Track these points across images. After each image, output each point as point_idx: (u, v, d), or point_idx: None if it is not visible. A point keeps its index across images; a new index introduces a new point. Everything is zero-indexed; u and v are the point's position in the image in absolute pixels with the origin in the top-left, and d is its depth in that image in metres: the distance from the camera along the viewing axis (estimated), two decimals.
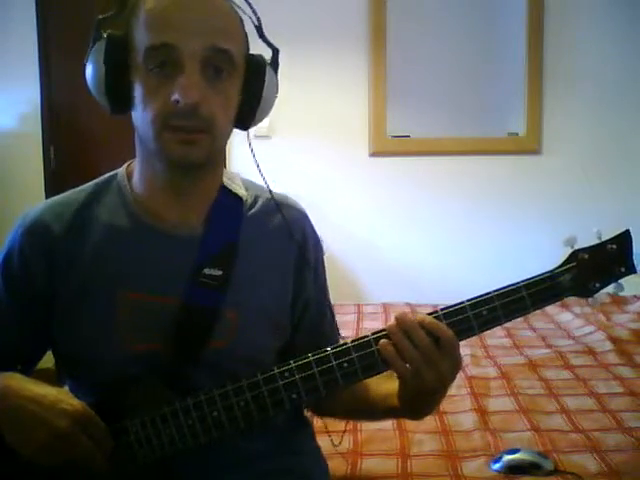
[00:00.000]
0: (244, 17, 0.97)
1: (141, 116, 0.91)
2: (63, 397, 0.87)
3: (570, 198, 3.51)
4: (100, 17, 0.93)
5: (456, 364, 0.90)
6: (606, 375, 1.94)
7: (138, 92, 0.91)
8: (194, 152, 0.91)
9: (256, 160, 1.04)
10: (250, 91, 0.96)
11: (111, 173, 1.04)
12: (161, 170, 0.96)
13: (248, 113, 0.97)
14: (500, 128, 3.58)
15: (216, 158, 0.99)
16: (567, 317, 2.57)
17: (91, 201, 1.00)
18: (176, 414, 0.90)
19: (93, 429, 0.87)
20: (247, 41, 0.97)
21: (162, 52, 0.88)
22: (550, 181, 3.56)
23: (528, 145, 3.54)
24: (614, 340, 2.21)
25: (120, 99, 0.93)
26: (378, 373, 0.92)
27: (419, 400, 0.95)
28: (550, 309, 2.67)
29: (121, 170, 1.03)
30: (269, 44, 0.99)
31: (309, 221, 1.10)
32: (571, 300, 2.91)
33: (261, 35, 0.99)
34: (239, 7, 0.97)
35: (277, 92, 1.00)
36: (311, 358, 0.91)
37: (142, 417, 0.91)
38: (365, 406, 1.06)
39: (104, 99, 0.94)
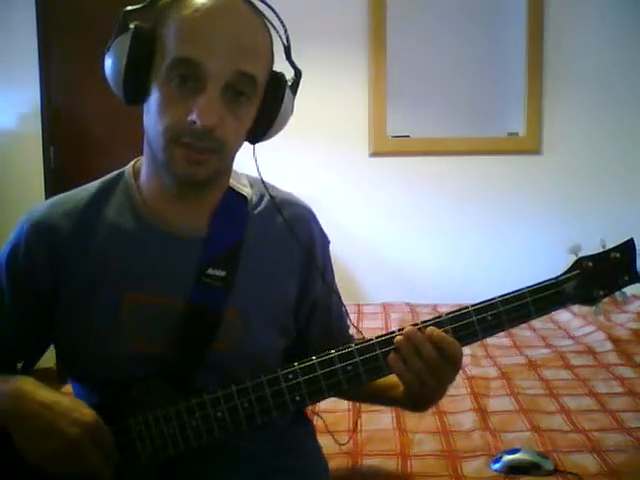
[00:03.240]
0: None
1: (153, 123, 0.90)
2: (76, 406, 0.87)
3: (570, 198, 3.51)
4: (128, 9, 0.92)
5: (457, 370, 0.93)
6: (606, 375, 1.94)
7: (154, 97, 0.90)
8: (201, 171, 0.91)
9: (259, 170, 1.04)
10: (266, 110, 0.95)
11: (118, 171, 1.03)
12: (167, 178, 0.95)
13: (260, 130, 0.97)
14: (500, 128, 3.58)
15: (223, 170, 0.99)
16: (567, 317, 2.57)
17: (98, 200, 0.99)
18: (180, 414, 0.90)
19: (103, 441, 0.87)
20: (273, 60, 0.96)
21: (187, 66, 0.87)
22: (550, 181, 3.56)
23: (528, 145, 3.54)
24: (614, 340, 2.21)
25: (137, 93, 0.91)
26: (382, 377, 0.92)
27: (422, 399, 0.98)
28: None
29: (128, 168, 1.03)
30: (294, 66, 0.99)
31: (315, 219, 1.09)
32: None
33: (288, 57, 0.98)
34: (271, 23, 0.96)
35: (292, 113, 0.99)
36: (315, 361, 0.91)
37: (145, 417, 0.91)
38: (373, 392, 1.07)
39: (121, 90, 0.92)
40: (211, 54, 0.86)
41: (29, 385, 0.89)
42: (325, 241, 1.10)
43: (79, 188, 1.02)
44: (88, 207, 0.98)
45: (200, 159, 0.89)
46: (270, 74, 0.95)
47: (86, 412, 0.87)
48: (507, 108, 3.60)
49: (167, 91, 0.88)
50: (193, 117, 0.86)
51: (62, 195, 1.02)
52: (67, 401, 0.88)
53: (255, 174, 1.06)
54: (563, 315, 2.60)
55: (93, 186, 1.02)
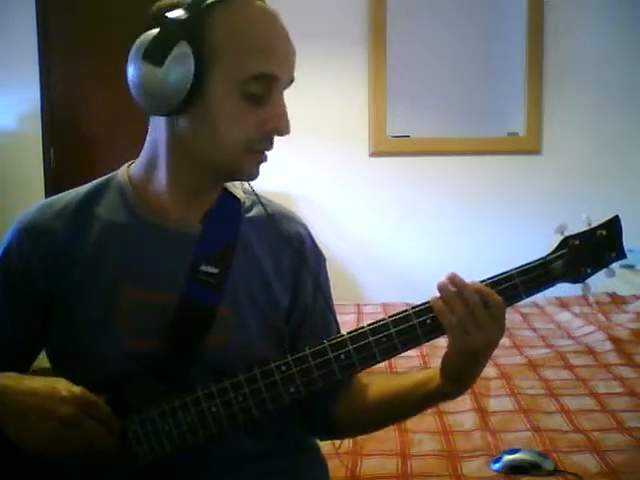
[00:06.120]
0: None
1: (214, 132, 0.90)
2: (61, 385, 0.87)
3: (570, 198, 3.51)
4: (171, 17, 0.87)
5: (502, 328, 0.92)
6: (606, 375, 1.94)
7: (219, 109, 0.89)
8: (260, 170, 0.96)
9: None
10: None
11: (110, 174, 1.04)
12: (197, 178, 0.97)
13: None
14: (500, 128, 3.58)
15: None
16: (567, 317, 2.57)
17: (91, 199, 1.00)
18: (174, 411, 0.90)
19: (96, 411, 0.87)
20: None
21: (266, 81, 0.89)
22: (550, 181, 3.56)
23: (528, 145, 3.55)
24: (614, 340, 2.21)
25: (184, 105, 0.88)
26: (375, 364, 0.92)
27: (465, 364, 0.94)
28: (550, 309, 2.67)
29: (121, 170, 1.03)
30: None
31: (310, 235, 1.10)
32: (571, 300, 2.90)
33: None
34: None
35: None
36: (308, 351, 0.91)
37: (140, 415, 0.91)
38: (394, 404, 1.04)
39: (170, 104, 0.88)
40: (284, 66, 0.91)
41: (10, 379, 0.89)
42: (319, 256, 1.10)
43: (71, 190, 1.03)
44: (80, 206, 0.99)
45: (264, 161, 0.95)
46: None
47: (72, 388, 0.87)
48: (507, 108, 3.60)
49: (240, 104, 0.89)
50: (277, 126, 0.91)
51: (52, 197, 1.02)
52: (51, 383, 0.88)
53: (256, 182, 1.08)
54: (563, 315, 2.60)
55: (84, 188, 1.02)
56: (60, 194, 1.02)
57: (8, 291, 0.98)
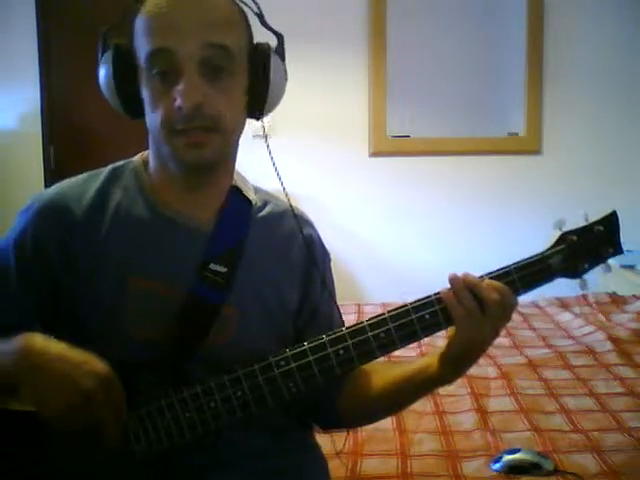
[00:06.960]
0: (246, 10, 0.98)
1: (150, 121, 0.94)
2: (89, 358, 0.86)
3: (570, 198, 3.51)
4: (106, 29, 0.96)
5: (509, 318, 0.92)
6: (606, 375, 1.94)
7: (145, 98, 0.94)
8: (205, 153, 0.93)
9: (272, 158, 1.07)
10: (257, 81, 0.97)
11: (126, 160, 1.05)
12: (174, 170, 0.97)
13: (258, 103, 0.98)
14: (500, 128, 3.59)
15: (228, 154, 1.00)
16: (567, 317, 2.57)
17: (108, 183, 1.01)
18: (172, 406, 0.90)
19: (115, 395, 0.86)
20: (250, 32, 0.98)
21: (160, 57, 0.90)
22: (550, 181, 3.56)
23: (528, 145, 3.55)
24: (614, 340, 2.21)
25: (133, 105, 0.96)
26: (373, 359, 0.92)
27: (468, 352, 0.94)
28: (550, 309, 2.67)
29: (136, 158, 1.05)
30: (273, 31, 1.00)
31: (317, 233, 1.11)
32: (571, 300, 2.89)
33: (263, 23, 0.99)
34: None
35: (287, 78, 1.01)
36: (306, 346, 0.91)
37: (138, 410, 0.90)
38: (396, 392, 1.03)
39: (119, 106, 0.97)
40: (177, 37, 0.89)
41: (39, 339, 0.88)
42: (326, 254, 1.11)
43: (88, 173, 1.04)
44: (100, 190, 1.00)
45: (199, 141, 0.91)
46: (250, 46, 0.97)
47: (100, 365, 0.86)
48: (507, 108, 3.61)
49: (152, 87, 0.92)
50: (177, 102, 0.89)
51: (72, 179, 1.03)
52: (80, 353, 0.86)
53: (249, 172, 1.09)
54: (563, 315, 2.60)
55: (104, 170, 1.04)
56: (79, 176, 1.03)
57: (21, 273, 0.97)
